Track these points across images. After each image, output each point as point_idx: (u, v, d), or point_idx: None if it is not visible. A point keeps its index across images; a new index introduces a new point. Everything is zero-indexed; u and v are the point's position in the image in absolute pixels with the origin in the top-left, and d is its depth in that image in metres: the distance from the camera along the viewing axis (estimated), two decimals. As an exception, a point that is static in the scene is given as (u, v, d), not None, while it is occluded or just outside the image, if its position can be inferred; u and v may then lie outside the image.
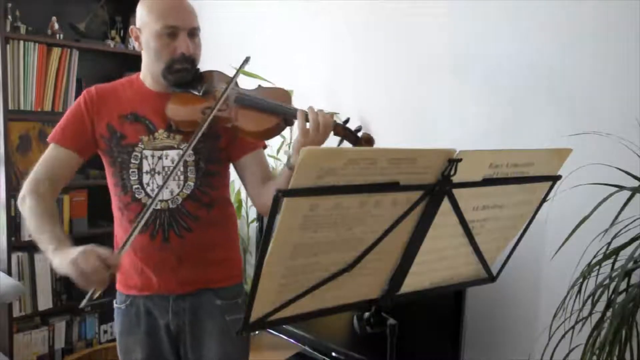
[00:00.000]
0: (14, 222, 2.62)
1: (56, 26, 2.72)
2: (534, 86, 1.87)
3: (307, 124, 1.28)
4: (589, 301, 1.47)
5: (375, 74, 2.29)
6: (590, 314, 1.47)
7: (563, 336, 1.50)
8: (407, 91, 2.19)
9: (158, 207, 1.42)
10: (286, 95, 1.44)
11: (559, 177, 1.04)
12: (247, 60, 1.38)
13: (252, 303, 0.83)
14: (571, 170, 1.33)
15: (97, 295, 1.21)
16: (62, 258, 1.22)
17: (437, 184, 0.86)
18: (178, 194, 1.43)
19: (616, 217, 1.48)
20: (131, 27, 1.45)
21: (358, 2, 2.31)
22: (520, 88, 1.91)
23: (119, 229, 1.52)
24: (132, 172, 1.43)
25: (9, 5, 2.55)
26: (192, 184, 1.43)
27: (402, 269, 0.96)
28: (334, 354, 2.05)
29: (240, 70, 1.40)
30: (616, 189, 1.48)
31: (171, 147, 1.42)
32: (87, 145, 1.45)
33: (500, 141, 1.94)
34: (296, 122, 1.31)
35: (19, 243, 2.64)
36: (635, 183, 1.51)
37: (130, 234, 1.27)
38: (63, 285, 2.80)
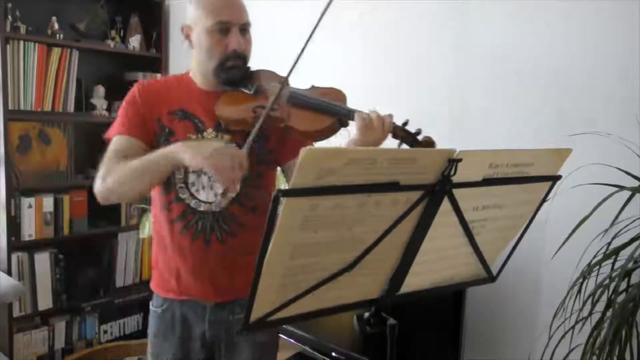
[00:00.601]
0: (14, 222, 2.62)
1: (56, 26, 2.72)
2: (534, 86, 1.87)
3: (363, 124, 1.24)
4: (589, 301, 1.47)
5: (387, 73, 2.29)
6: (590, 314, 1.47)
7: (563, 336, 1.50)
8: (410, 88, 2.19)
9: (202, 208, 1.39)
10: (341, 95, 1.39)
11: (559, 177, 1.04)
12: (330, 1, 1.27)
13: (252, 303, 0.83)
14: (571, 170, 1.33)
15: (229, 194, 1.27)
16: (193, 153, 1.24)
17: (437, 184, 0.86)
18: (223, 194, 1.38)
19: (616, 217, 1.48)
20: (182, 25, 1.44)
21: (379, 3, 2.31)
22: (520, 88, 1.91)
23: (158, 226, 1.48)
24: (178, 170, 1.39)
25: (9, 5, 2.55)
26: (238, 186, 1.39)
27: (402, 269, 0.96)
28: (334, 354, 2.05)
29: (326, 9, 1.28)
30: (616, 189, 1.48)
31: None
32: (149, 133, 1.41)
33: (500, 141, 1.94)
34: (352, 123, 1.27)
35: (19, 243, 2.64)
36: (635, 183, 1.51)
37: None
38: (63, 285, 2.80)
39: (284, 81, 1.34)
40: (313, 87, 1.44)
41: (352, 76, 2.34)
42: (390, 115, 1.28)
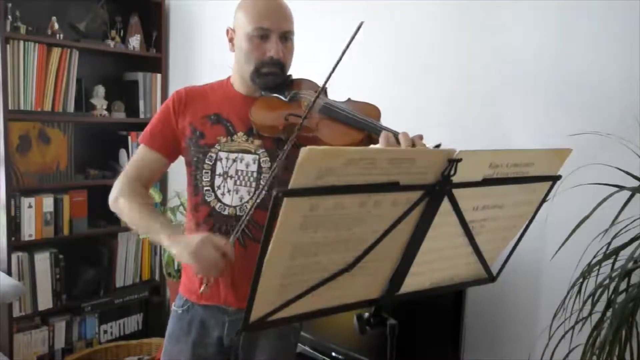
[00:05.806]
0: (14, 222, 2.62)
1: (56, 26, 2.72)
2: (534, 86, 1.87)
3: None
4: (589, 301, 1.47)
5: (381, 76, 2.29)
6: (590, 314, 1.47)
7: (563, 336, 1.50)
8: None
9: (226, 212, 1.39)
10: (376, 111, 1.36)
11: (559, 177, 1.04)
12: (360, 25, 1.24)
13: (252, 303, 0.83)
14: (571, 170, 1.33)
15: (212, 281, 1.28)
16: (181, 248, 1.27)
17: (437, 184, 0.86)
18: (247, 201, 1.38)
19: (616, 217, 1.48)
20: (227, 27, 1.45)
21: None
22: (520, 88, 1.91)
23: (188, 228, 1.49)
24: (205, 173, 1.41)
25: (9, 5, 2.55)
26: (263, 192, 1.37)
27: (402, 269, 0.96)
28: (334, 354, 2.05)
29: (354, 36, 1.25)
30: (616, 189, 1.48)
31: (248, 151, 1.39)
32: (174, 147, 1.47)
33: (503, 141, 1.94)
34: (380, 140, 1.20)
35: (19, 243, 2.64)
36: (635, 183, 1.51)
37: (238, 226, 1.30)
38: (63, 285, 2.80)
39: (319, 91, 1.33)
40: (350, 100, 1.42)
41: (367, 87, 2.34)
42: (420, 137, 1.16)
